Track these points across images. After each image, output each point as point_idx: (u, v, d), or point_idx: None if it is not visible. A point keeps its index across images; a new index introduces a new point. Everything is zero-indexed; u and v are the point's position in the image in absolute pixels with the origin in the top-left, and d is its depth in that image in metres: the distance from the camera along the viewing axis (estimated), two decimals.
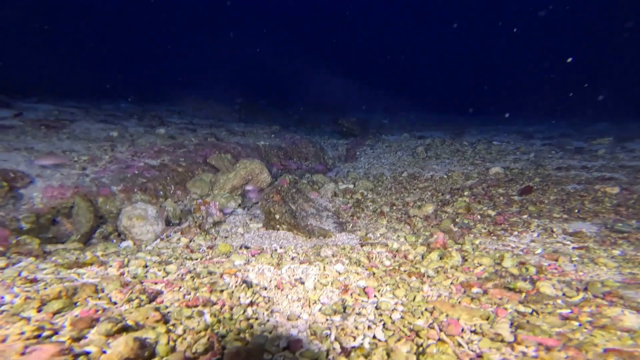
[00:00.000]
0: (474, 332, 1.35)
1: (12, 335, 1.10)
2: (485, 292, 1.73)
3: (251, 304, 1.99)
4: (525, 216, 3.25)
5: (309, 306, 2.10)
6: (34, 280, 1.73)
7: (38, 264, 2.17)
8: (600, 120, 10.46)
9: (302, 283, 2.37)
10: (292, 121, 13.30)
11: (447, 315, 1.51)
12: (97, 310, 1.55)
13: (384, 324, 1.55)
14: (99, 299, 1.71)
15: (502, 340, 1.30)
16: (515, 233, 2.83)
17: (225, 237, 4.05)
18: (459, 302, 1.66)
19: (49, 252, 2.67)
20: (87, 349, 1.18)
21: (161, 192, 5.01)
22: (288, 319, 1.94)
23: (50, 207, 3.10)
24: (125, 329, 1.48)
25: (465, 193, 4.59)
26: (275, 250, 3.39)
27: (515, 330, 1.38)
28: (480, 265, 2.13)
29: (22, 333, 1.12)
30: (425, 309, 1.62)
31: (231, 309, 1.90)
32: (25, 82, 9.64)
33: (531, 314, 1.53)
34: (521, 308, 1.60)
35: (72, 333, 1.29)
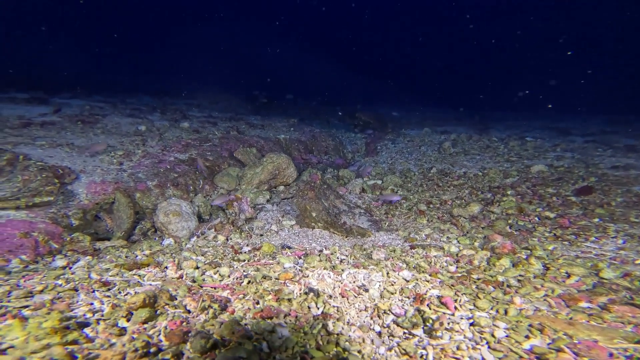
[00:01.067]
0: (631, 358, 1.19)
1: (129, 353, 1.01)
2: (604, 309, 1.57)
3: (324, 315, 1.88)
4: (595, 220, 3.05)
5: (379, 316, 1.97)
6: (107, 284, 1.65)
7: (98, 264, 2.10)
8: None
9: (366, 290, 2.24)
10: (306, 114, 13.12)
11: (566, 335, 1.35)
12: (181, 322, 1.45)
13: (488, 344, 1.41)
14: (176, 307, 1.62)
15: None
16: (593, 239, 2.64)
17: (261, 235, 3.95)
18: (572, 318, 1.50)
19: (99, 249, 2.61)
20: None
21: (191, 187, 4.95)
22: (361, 330, 1.82)
23: (95, 203, 3.03)
24: (215, 344, 1.39)
25: (509, 192, 4.38)
26: (321, 251, 3.27)
27: None
28: (572, 275, 1.96)
29: (136, 350, 1.03)
30: (531, 326, 1.47)
31: (307, 321, 1.79)
32: (57, 78, 9.77)
33: None
34: None
35: (172, 349, 1.20)
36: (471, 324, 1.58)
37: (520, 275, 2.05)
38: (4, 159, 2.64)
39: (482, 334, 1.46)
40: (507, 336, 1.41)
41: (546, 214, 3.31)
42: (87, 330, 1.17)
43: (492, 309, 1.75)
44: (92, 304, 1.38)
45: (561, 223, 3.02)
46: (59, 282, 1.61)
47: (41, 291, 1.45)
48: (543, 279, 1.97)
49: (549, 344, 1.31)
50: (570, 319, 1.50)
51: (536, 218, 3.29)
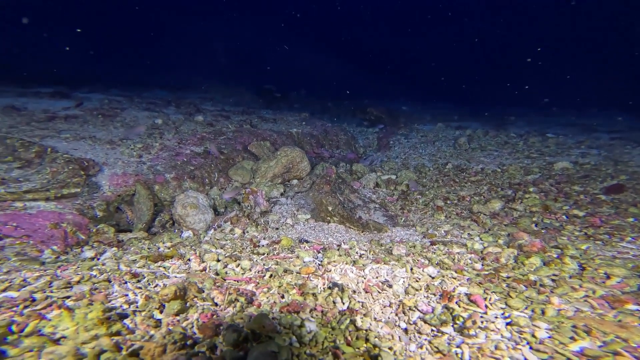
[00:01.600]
0: None
1: (169, 345, 1.01)
2: None
3: (350, 310, 1.85)
4: (630, 219, 2.91)
5: (404, 313, 1.93)
6: (136, 275, 1.67)
7: (124, 255, 2.12)
8: None
9: (390, 286, 2.20)
10: (317, 109, 13.04)
11: (619, 338, 1.28)
12: (212, 315, 1.45)
13: (529, 344, 1.36)
14: (204, 300, 1.62)
15: None
16: (629, 239, 2.52)
17: (276, 229, 3.95)
18: (621, 321, 1.43)
19: (123, 241, 2.65)
20: None
21: (207, 180, 4.98)
22: (388, 326, 1.79)
23: (117, 195, 3.07)
24: (247, 338, 1.38)
25: (531, 189, 4.24)
26: (340, 246, 3.25)
27: None
28: (612, 276, 1.87)
29: (175, 342, 1.03)
30: (575, 327, 1.40)
31: (334, 316, 1.76)
32: (76, 73, 10.03)
33: None
34: None
35: (206, 341, 1.20)
36: (508, 324, 1.53)
37: (554, 275, 1.97)
38: (33, 152, 2.69)
39: (521, 334, 1.41)
40: (550, 337, 1.35)
41: (574, 213, 3.18)
42: (126, 321, 1.18)
43: (526, 308, 1.69)
44: (126, 295, 1.39)
45: (592, 222, 2.89)
46: (94, 272, 1.63)
47: (78, 282, 1.47)
48: (580, 279, 1.89)
49: (600, 346, 1.25)
50: (619, 321, 1.43)
51: (564, 216, 3.17)
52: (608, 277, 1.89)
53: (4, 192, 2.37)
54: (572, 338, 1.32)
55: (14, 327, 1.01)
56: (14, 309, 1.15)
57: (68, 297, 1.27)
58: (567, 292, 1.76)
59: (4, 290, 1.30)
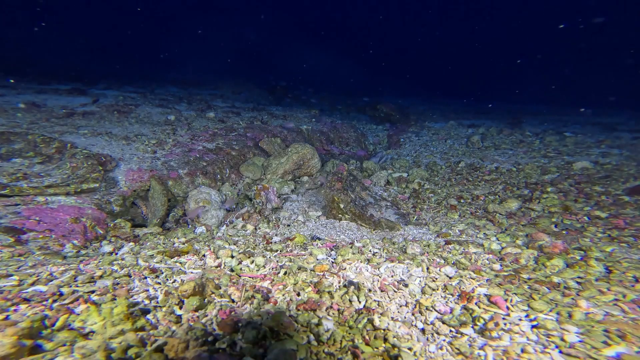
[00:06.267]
0: None
1: (191, 341, 1.01)
2: None
3: (367, 309, 1.83)
4: None
5: (421, 313, 1.90)
6: (154, 270, 1.68)
7: (141, 250, 2.14)
8: None
9: (406, 286, 2.17)
10: (327, 106, 12.98)
11: None
12: (230, 311, 1.45)
13: (558, 348, 1.31)
14: (222, 296, 1.63)
15: None
16: None
17: (288, 225, 3.95)
18: None
19: (139, 236, 2.69)
20: None
21: (219, 176, 5.01)
22: (405, 326, 1.76)
23: (132, 190, 3.12)
24: (265, 335, 1.37)
25: (549, 189, 4.12)
26: (352, 244, 3.22)
27: None
28: None
29: (197, 338, 1.03)
30: (607, 332, 1.35)
31: (351, 315, 1.75)
32: (92, 69, 10.28)
33: None
34: None
35: (226, 338, 1.19)
36: (534, 326, 1.48)
37: (579, 277, 1.91)
38: (54, 147, 2.75)
39: (549, 338, 1.36)
40: (581, 341, 1.30)
41: (596, 214, 3.08)
42: (149, 316, 1.19)
43: (551, 311, 1.64)
44: (147, 290, 1.40)
45: (615, 224, 2.79)
46: (114, 267, 1.65)
47: (101, 276, 1.49)
48: (608, 283, 1.82)
49: (638, 352, 1.19)
50: None
51: (585, 217, 3.06)
52: (637, 280, 1.81)
53: (27, 187, 2.43)
54: (605, 342, 1.27)
55: (46, 321, 1.03)
56: (44, 302, 1.17)
57: (93, 292, 1.29)
58: (594, 295, 1.70)
59: (33, 284, 1.33)
